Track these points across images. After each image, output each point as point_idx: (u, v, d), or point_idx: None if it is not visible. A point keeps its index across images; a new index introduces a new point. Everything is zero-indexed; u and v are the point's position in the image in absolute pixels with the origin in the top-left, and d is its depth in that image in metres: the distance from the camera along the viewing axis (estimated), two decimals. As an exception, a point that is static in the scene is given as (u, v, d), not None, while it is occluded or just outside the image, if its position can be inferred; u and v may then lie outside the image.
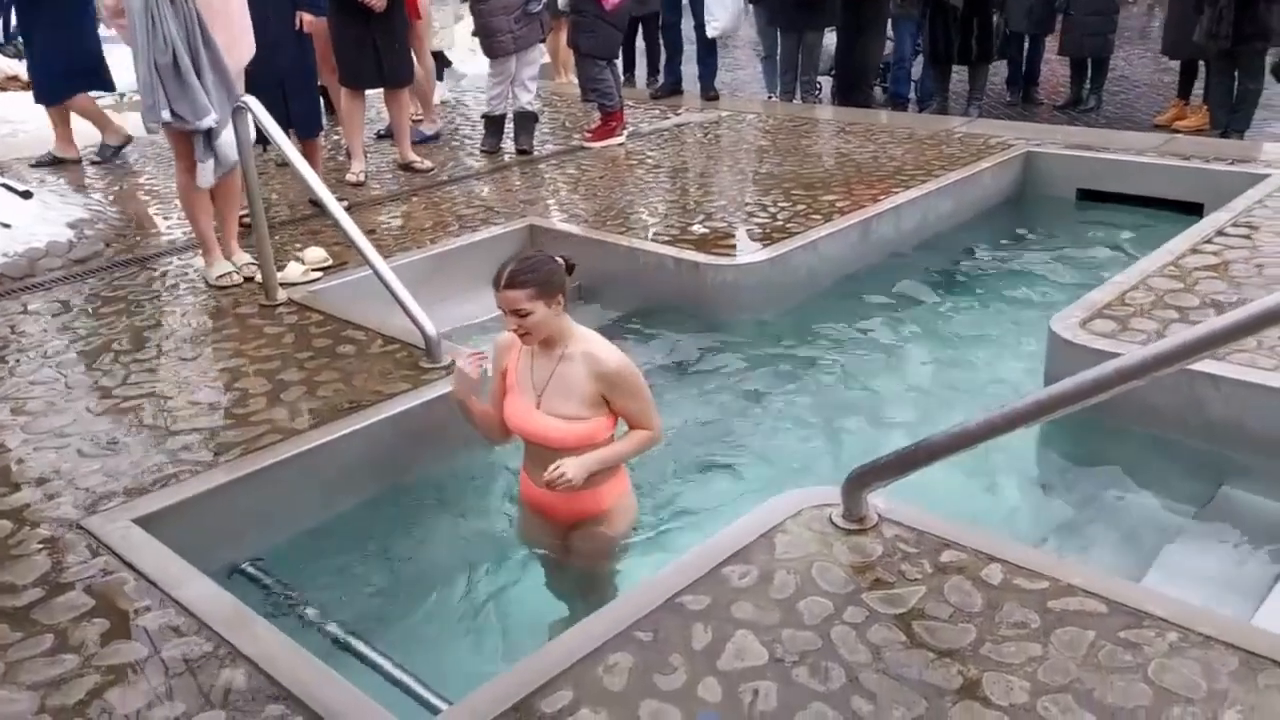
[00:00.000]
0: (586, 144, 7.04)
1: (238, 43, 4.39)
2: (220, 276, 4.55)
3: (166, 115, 4.10)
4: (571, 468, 2.64)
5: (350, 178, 6.20)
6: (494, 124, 6.97)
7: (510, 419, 2.84)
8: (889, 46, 9.42)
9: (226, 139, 4.23)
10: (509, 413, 2.84)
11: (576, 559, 2.95)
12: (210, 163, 4.27)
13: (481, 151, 6.96)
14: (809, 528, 2.51)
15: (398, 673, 2.42)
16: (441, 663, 2.61)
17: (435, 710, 2.22)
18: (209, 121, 4.14)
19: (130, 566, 2.53)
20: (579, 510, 2.85)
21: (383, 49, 6.12)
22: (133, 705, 2.06)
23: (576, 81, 8.35)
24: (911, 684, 2.00)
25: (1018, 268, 5.34)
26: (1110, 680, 1.98)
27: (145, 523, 2.75)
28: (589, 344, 2.75)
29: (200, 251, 4.72)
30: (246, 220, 4.63)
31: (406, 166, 6.49)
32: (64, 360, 3.84)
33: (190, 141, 4.27)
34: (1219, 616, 2.17)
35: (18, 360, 3.86)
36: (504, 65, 6.73)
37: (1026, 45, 9.45)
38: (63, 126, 7.03)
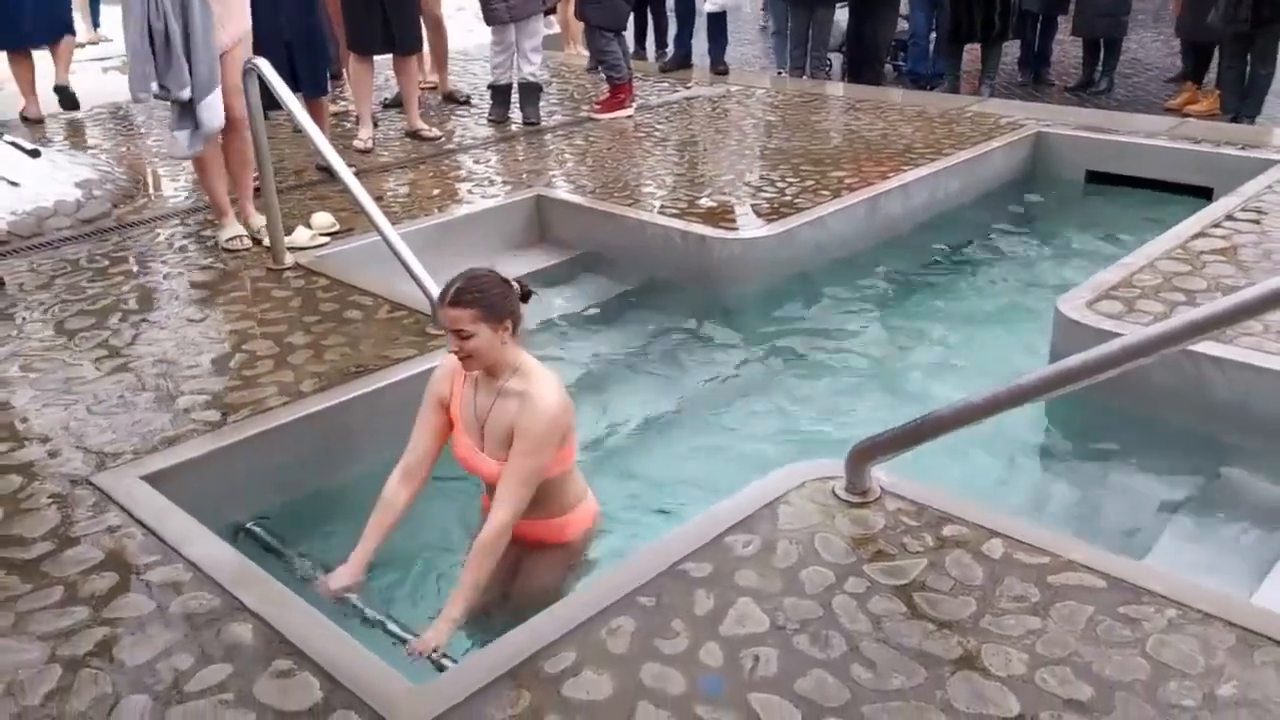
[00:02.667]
0: (594, 115, 7.02)
1: (233, 16, 4.37)
2: (230, 239, 4.56)
3: (155, 88, 4.10)
4: (436, 638, 2.34)
5: (358, 144, 6.18)
6: (500, 94, 6.95)
7: (459, 456, 2.68)
8: (903, 24, 9.37)
9: (210, 104, 4.18)
10: (457, 448, 2.67)
11: (523, 586, 2.72)
12: (185, 133, 4.23)
13: (489, 121, 6.94)
14: (812, 499, 2.53)
15: (402, 631, 2.45)
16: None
17: (440, 668, 2.24)
18: (186, 93, 4.11)
19: (138, 522, 2.55)
20: (540, 537, 2.72)
21: (391, 14, 6.08)
22: (141, 658, 2.09)
23: (586, 52, 8.33)
24: (911, 654, 2.02)
25: (1025, 248, 5.33)
26: (1108, 654, 2.00)
27: (153, 480, 2.77)
28: (532, 382, 2.53)
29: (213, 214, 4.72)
30: (257, 184, 4.62)
31: (415, 134, 6.47)
32: (72, 319, 3.85)
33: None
34: (1217, 594, 2.19)
35: (26, 318, 3.88)
36: (503, 34, 6.70)
37: (1039, 25, 9.40)
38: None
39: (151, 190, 5.56)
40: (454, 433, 2.70)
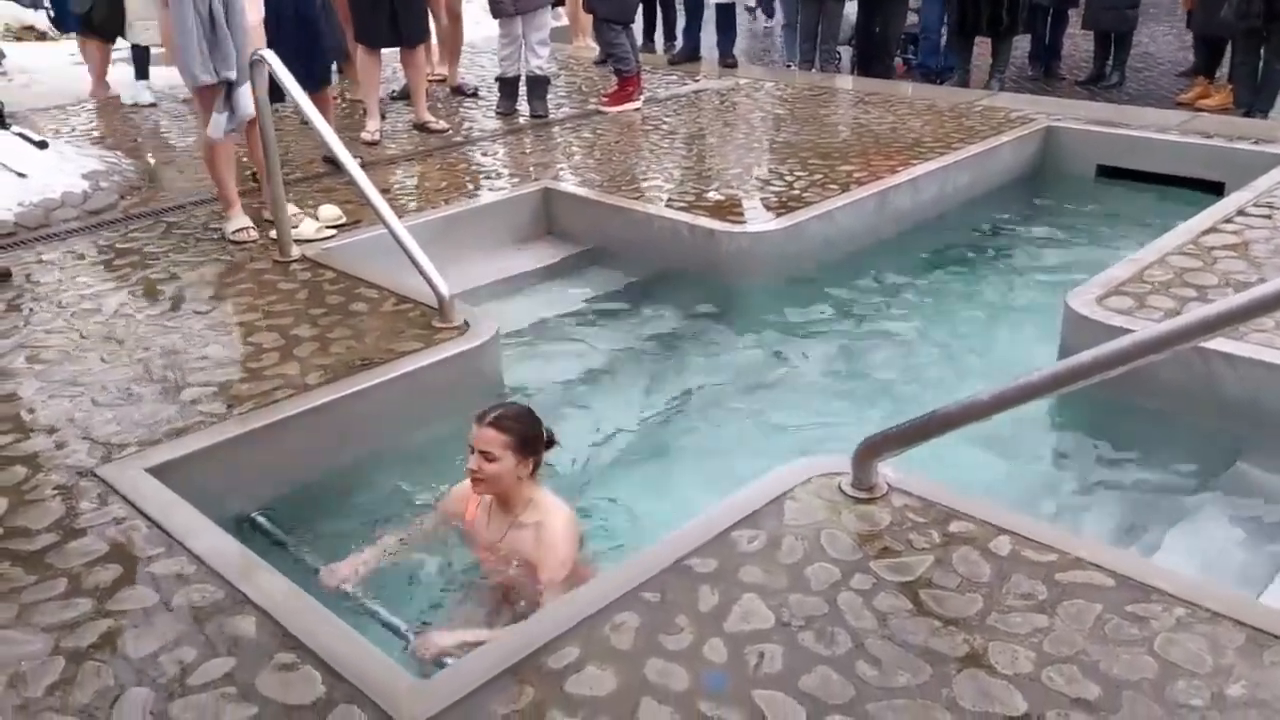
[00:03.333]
0: (603, 108, 6.99)
1: (254, 2, 4.41)
2: (236, 231, 4.56)
3: (213, 70, 4.13)
4: (446, 644, 2.34)
5: (365, 136, 6.17)
6: (507, 86, 6.93)
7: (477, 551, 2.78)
8: (912, 18, 9.31)
9: (245, 91, 4.23)
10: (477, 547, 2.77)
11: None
12: (223, 116, 4.28)
13: (496, 114, 6.92)
14: (818, 495, 2.51)
15: (404, 626, 2.44)
16: (448, 617, 2.62)
17: (442, 664, 2.24)
18: (234, 74, 4.17)
19: (142, 514, 2.55)
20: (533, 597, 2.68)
21: (399, 7, 6.07)
22: (144, 650, 2.09)
23: (595, 45, 8.31)
24: (917, 651, 2.01)
25: (1035, 243, 5.30)
26: (1116, 653, 1.98)
27: (158, 472, 2.77)
28: (546, 514, 2.63)
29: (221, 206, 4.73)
30: (258, 175, 4.62)
31: (422, 126, 6.46)
32: (79, 311, 3.85)
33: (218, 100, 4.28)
34: (1227, 593, 2.17)
35: (33, 310, 3.88)
36: (510, 26, 6.68)
37: (1050, 19, 9.33)
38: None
39: (159, 182, 5.56)
40: (467, 539, 2.79)
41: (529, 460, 2.61)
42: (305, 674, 2.01)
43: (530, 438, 2.61)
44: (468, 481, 2.69)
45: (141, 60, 7.35)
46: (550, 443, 2.71)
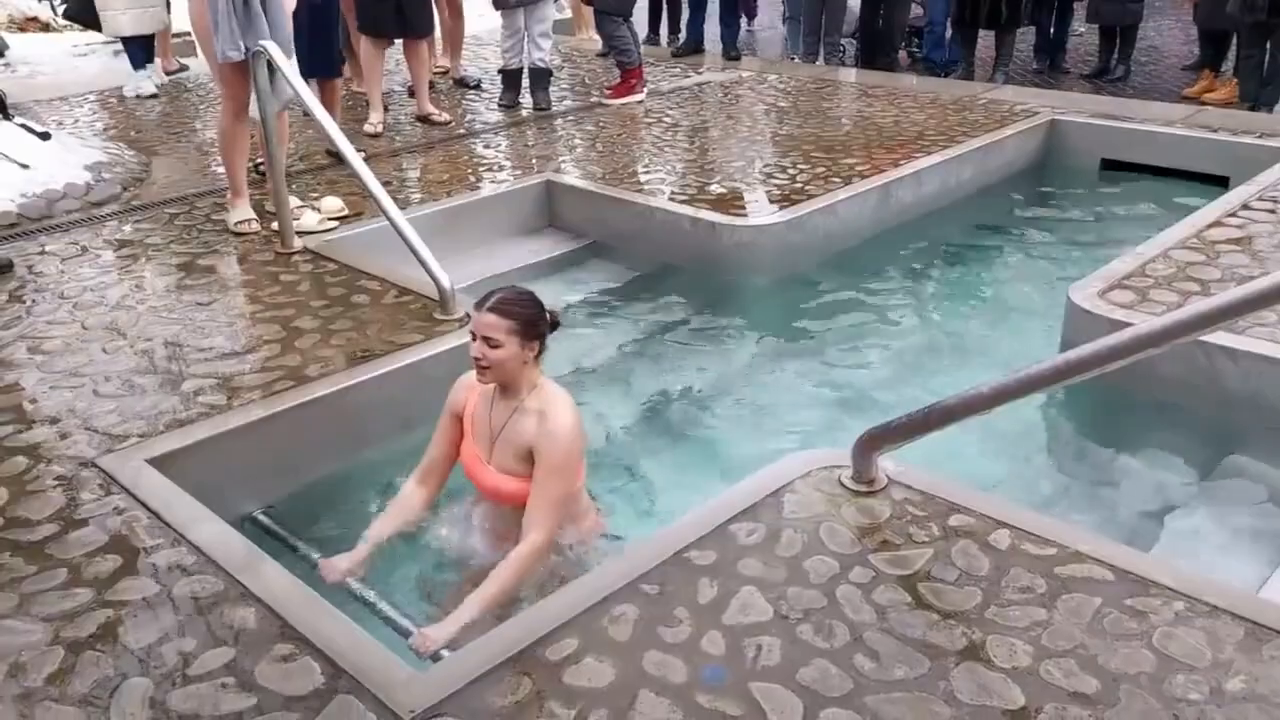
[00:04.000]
0: (606, 100, 6.98)
1: None
2: (240, 222, 4.57)
3: (243, 47, 4.12)
4: (444, 635, 2.30)
5: (368, 128, 6.17)
6: (510, 78, 6.92)
7: (464, 463, 2.73)
8: (917, 10, 9.28)
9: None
10: (464, 455, 2.73)
11: None
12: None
13: (499, 106, 6.91)
14: (818, 488, 2.51)
15: (403, 619, 2.44)
16: (447, 609, 2.62)
17: (439, 655, 2.24)
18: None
19: (143, 505, 2.56)
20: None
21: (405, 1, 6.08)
22: (144, 640, 2.09)
23: (598, 37, 8.29)
24: (915, 644, 2.01)
25: (1038, 236, 5.29)
26: (1114, 646, 1.98)
27: (159, 463, 2.77)
28: (549, 403, 2.57)
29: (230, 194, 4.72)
30: (262, 168, 4.62)
31: (425, 119, 6.45)
32: (80, 302, 3.85)
33: (245, 82, 4.26)
34: (1226, 587, 2.17)
35: (35, 300, 3.88)
36: (512, 19, 6.67)
37: (1055, 12, 9.30)
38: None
39: (162, 173, 5.56)
40: (463, 444, 2.73)
41: (533, 344, 2.54)
42: (304, 664, 2.01)
43: (534, 319, 2.54)
44: (470, 374, 2.64)
45: (137, 51, 7.34)
46: (554, 324, 2.64)
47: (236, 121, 4.45)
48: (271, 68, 4.01)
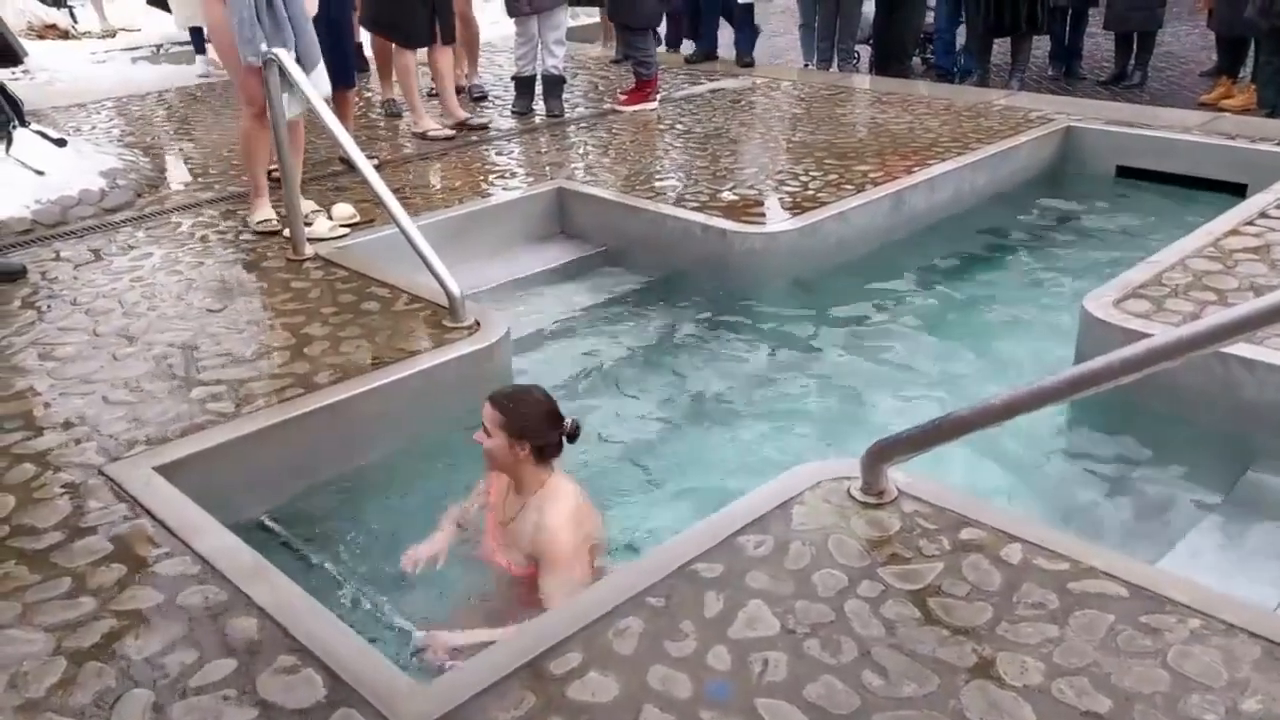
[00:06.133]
0: (618, 107, 6.97)
1: None
2: (261, 222, 4.61)
3: (264, 49, 4.10)
4: (456, 643, 2.37)
5: (434, 132, 6.24)
6: (523, 85, 6.92)
7: (484, 543, 2.79)
8: (931, 17, 9.25)
9: (320, 74, 4.32)
10: (486, 534, 2.79)
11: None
12: (287, 95, 4.24)
13: (512, 113, 6.91)
14: (827, 500, 2.48)
15: (411, 630, 2.43)
16: (454, 621, 2.61)
17: (442, 669, 2.22)
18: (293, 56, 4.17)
19: (150, 514, 2.55)
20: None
21: (439, 6, 6.15)
22: (147, 650, 2.08)
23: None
24: (924, 660, 1.97)
25: (1052, 245, 5.25)
26: (1128, 665, 1.94)
27: (166, 471, 2.76)
28: (547, 500, 2.62)
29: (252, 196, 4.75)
30: (276, 174, 4.63)
31: (460, 125, 6.46)
32: (93, 308, 3.86)
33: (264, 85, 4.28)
34: (1242, 604, 2.13)
35: (48, 306, 3.89)
36: (526, 26, 6.69)
37: (1070, 19, 9.24)
38: None
39: (176, 180, 5.58)
40: (488, 515, 2.80)
41: (524, 443, 2.58)
42: (306, 676, 2.00)
43: (525, 421, 2.58)
44: None
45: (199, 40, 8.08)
46: (572, 434, 2.66)
47: (256, 124, 4.46)
48: (284, 73, 4.03)
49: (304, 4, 4.31)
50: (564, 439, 2.66)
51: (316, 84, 4.26)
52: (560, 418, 2.66)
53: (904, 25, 8.60)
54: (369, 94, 7.43)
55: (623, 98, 7.06)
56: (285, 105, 4.25)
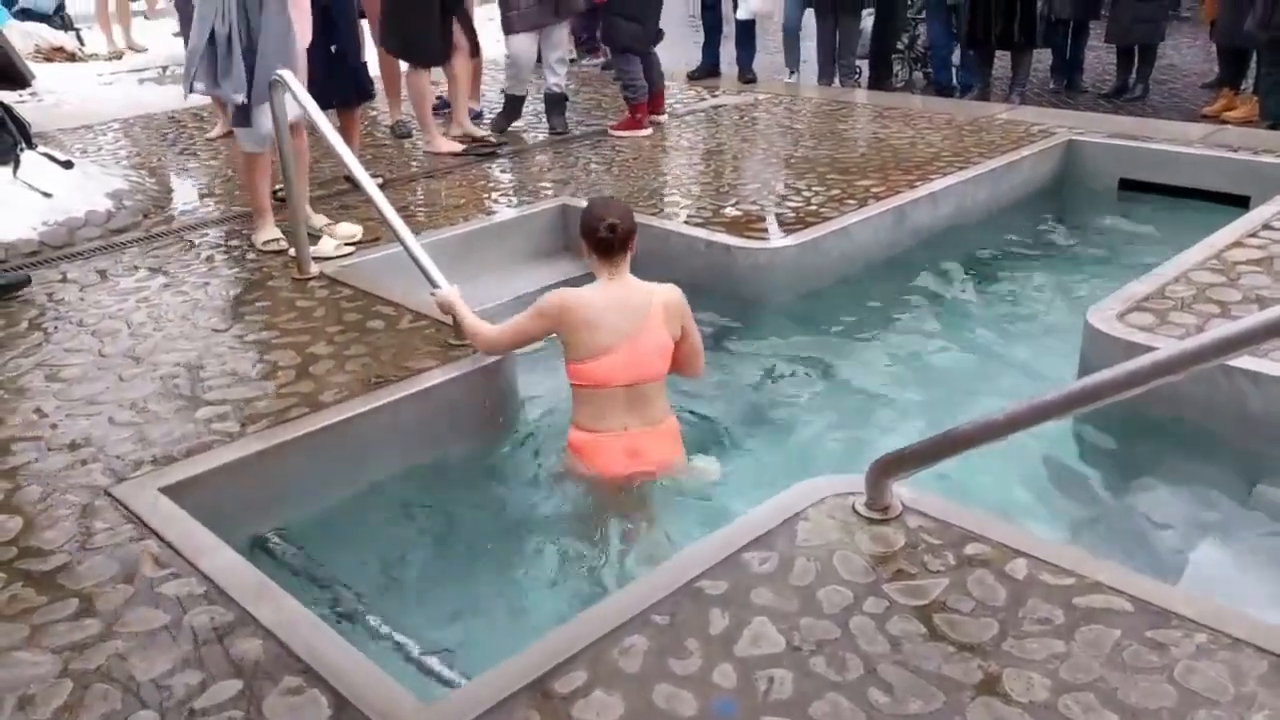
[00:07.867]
0: (612, 132, 6.92)
1: (304, 24, 4.46)
2: (266, 242, 4.64)
3: (198, 87, 4.26)
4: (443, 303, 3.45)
5: (447, 148, 6.31)
6: (511, 103, 6.95)
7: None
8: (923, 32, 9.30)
9: (262, 110, 4.28)
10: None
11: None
12: (243, 130, 4.41)
13: (492, 129, 6.90)
14: (831, 515, 2.48)
15: (415, 649, 2.43)
16: (459, 640, 2.61)
17: (451, 685, 2.22)
18: (240, 98, 4.24)
19: (156, 535, 2.56)
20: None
21: (461, 21, 6.30)
22: (153, 672, 2.08)
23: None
24: (930, 677, 1.97)
25: (1055, 258, 5.25)
26: (1134, 680, 1.94)
27: (172, 491, 2.77)
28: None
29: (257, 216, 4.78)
30: (282, 195, 4.66)
31: (471, 138, 6.51)
32: (99, 329, 3.88)
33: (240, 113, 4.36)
34: (1249, 619, 2.12)
35: (54, 328, 3.91)
36: (522, 44, 6.68)
37: (1070, 32, 9.26)
38: None
39: (182, 201, 5.61)
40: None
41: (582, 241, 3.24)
42: (312, 697, 2.00)
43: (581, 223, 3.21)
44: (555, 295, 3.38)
45: None
46: (606, 236, 3.20)
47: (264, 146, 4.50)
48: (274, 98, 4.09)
49: (280, 37, 4.24)
50: (604, 241, 3.14)
51: (261, 121, 4.31)
52: (595, 228, 3.11)
53: (882, 34, 8.71)
54: (374, 113, 7.46)
55: (614, 126, 6.94)
56: (244, 137, 4.37)
